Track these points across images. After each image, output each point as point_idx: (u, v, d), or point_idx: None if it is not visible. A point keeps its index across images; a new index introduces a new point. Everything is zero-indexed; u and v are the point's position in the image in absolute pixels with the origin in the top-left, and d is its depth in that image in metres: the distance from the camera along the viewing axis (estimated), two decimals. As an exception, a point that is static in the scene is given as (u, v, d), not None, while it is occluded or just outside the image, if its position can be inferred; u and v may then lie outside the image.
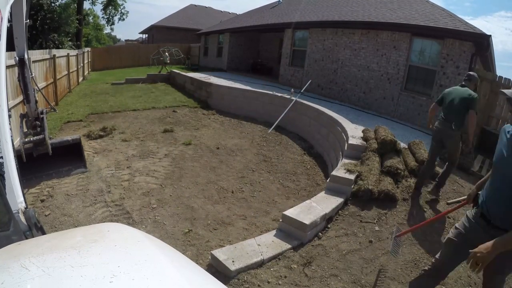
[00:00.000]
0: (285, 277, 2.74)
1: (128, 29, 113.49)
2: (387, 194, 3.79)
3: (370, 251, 3.14)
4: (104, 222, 3.54)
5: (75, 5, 19.05)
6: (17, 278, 0.60)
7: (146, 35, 34.38)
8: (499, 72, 11.27)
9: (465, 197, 2.36)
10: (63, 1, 15.04)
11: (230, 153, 6.10)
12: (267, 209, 4.21)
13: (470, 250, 1.63)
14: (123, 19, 24.26)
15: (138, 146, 6.06)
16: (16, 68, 3.78)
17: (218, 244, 3.31)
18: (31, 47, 9.62)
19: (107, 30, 34.22)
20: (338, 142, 5.73)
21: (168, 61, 16.08)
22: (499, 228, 1.68)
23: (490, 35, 5.91)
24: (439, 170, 4.15)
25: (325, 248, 3.16)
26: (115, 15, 23.59)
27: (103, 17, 23.74)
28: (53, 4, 13.66)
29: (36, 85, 4.97)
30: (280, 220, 3.44)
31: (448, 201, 3.36)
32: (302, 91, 8.83)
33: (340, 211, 3.72)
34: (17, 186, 1.36)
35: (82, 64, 14.89)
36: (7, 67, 3.98)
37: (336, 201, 3.74)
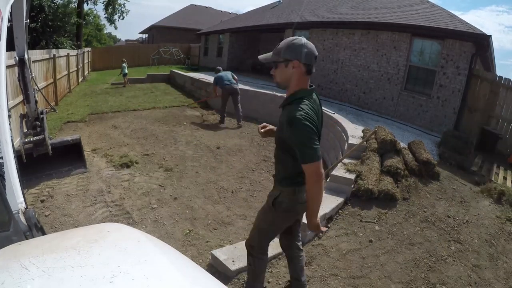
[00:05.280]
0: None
1: (128, 29, 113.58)
2: (387, 194, 3.80)
3: (370, 250, 3.14)
4: (104, 222, 3.54)
5: (75, 5, 19.05)
6: (17, 279, 0.60)
7: (146, 35, 34.39)
8: (497, 70, 11.25)
9: None
10: (62, 1, 15.01)
11: (230, 153, 6.10)
12: (267, 209, 4.20)
13: None
14: (123, 18, 24.18)
15: (138, 146, 6.06)
16: (16, 68, 3.78)
17: (218, 244, 3.31)
18: (32, 49, 9.61)
19: (108, 29, 34.24)
20: (338, 142, 5.73)
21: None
22: None
23: (490, 36, 5.92)
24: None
25: (325, 247, 3.16)
26: (115, 14, 23.54)
27: (105, 17, 23.71)
28: (54, 5, 13.63)
29: (36, 85, 4.97)
30: (280, 220, 3.44)
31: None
32: None
33: (340, 211, 3.72)
34: (17, 186, 1.36)
35: (82, 64, 14.89)
36: (7, 67, 3.98)
37: (336, 200, 3.74)
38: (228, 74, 7.93)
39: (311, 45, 1.69)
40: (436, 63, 6.96)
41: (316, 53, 1.70)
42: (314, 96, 1.79)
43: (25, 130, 4.01)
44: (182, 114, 8.80)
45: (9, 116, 1.62)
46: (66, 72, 10.64)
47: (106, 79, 15.30)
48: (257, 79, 12.15)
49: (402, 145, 4.89)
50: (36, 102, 4.01)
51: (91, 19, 28.71)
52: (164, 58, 20.62)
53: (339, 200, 3.76)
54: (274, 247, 3.05)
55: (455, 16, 7.25)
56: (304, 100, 1.68)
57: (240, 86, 9.87)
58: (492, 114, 6.59)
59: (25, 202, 1.39)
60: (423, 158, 4.33)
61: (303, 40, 1.69)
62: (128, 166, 5.05)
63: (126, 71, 13.15)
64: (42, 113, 4.23)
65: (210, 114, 9.10)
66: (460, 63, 6.48)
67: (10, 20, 2.56)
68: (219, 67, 8.57)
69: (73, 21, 15.26)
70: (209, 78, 11.46)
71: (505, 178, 4.96)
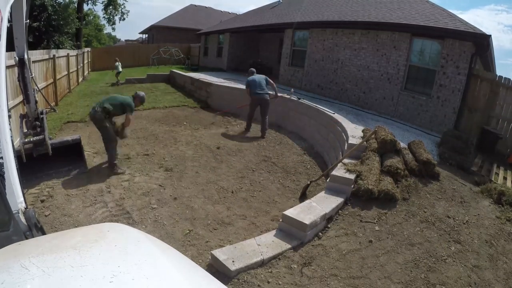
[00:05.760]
0: (285, 277, 2.74)
1: (128, 29, 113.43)
2: (387, 194, 3.80)
3: (370, 250, 3.14)
4: (104, 222, 3.54)
5: (75, 5, 19.05)
6: (17, 278, 0.60)
7: (146, 35, 34.37)
8: (497, 70, 11.25)
9: None
10: (62, 1, 15.01)
11: (230, 153, 6.10)
12: (267, 209, 4.21)
13: None
14: (124, 19, 24.18)
15: (138, 146, 6.06)
16: (16, 68, 3.78)
17: (218, 244, 3.31)
18: (35, 48, 9.62)
19: (108, 30, 34.26)
20: (338, 142, 5.73)
21: (121, 70, 13.92)
22: None
23: (490, 35, 5.91)
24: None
25: (325, 248, 3.16)
26: (116, 15, 23.55)
27: (104, 17, 23.71)
28: (56, 5, 13.64)
29: (36, 85, 4.97)
30: (280, 220, 3.44)
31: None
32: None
33: (340, 211, 3.72)
34: (17, 186, 1.36)
35: (82, 64, 14.89)
36: (7, 67, 3.98)
37: (336, 200, 3.74)
38: (261, 80, 7.01)
39: None
40: (436, 63, 6.96)
41: None
42: None
43: (25, 130, 4.01)
44: (182, 114, 8.79)
45: (9, 116, 1.62)
46: (66, 72, 10.64)
47: (106, 79, 15.29)
48: (257, 79, 12.14)
49: (402, 145, 4.89)
50: (36, 102, 4.01)
51: (90, 19, 28.69)
52: (164, 58, 20.61)
53: (339, 200, 3.76)
54: (274, 247, 3.05)
55: (455, 16, 7.25)
56: None
57: (240, 86, 9.88)
58: (492, 114, 6.58)
59: (25, 202, 1.39)
60: (423, 158, 4.33)
61: None
62: (128, 166, 5.05)
63: (120, 69, 13.96)
64: (42, 113, 4.23)
65: (211, 114, 9.10)
66: (460, 63, 6.48)
67: (10, 20, 2.56)
68: (253, 69, 7.58)
69: (75, 24, 15.30)
70: (209, 78, 11.46)
71: (505, 178, 4.96)
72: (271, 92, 7.33)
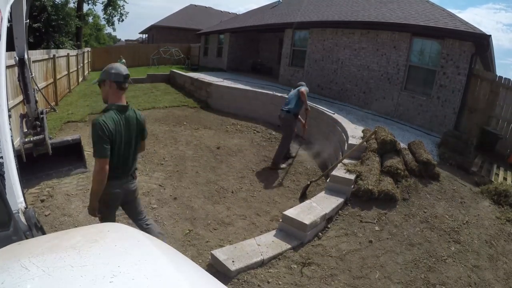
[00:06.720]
0: (285, 277, 2.74)
1: (128, 29, 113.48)
2: (387, 194, 3.79)
3: (370, 251, 3.14)
4: (104, 222, 3.54)
5: (75, 4, 19.05)
6: (17, 278, 0.60)
7: (146, 35, 34.38)
8: (496, 70, 11.26)
9: None
10: (60, 1, 15.00)
11: (230, 153, 6.10)
12: (267, 209, 4.21)
13: None
14: (122, 20, 24.16)
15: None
16: (16, 68, 3.78)
17: (218, 244, 3.32)
18: (36, 49, 9.63)
19: (108, 29, 34.13)
20: (338, 142, 5.73)
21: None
22: None
23: (490, 35, 5.91)
24: None
25: (325, 248, 3.16)
26: (115, 16, 23.52)
27: (104, 18, 23.70)
28: (55, 6, 13.65)
29: (36, 85, 4.97)
30: (280, 220, 3.44)
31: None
32: None
33: (340, 211, 3.72)
34: (17, 186, 1.36)
35: (82, 64, 14.88)
36: (7, 67, 3.98)
37: (336, 201, 3.74)
38: (291, 94, 5.67)
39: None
40: (436, 63, 6.96)
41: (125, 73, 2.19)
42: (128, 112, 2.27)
43: (25, 130, 4.01)
44: (182, 114, 8.79)
45: (9, 116, 1.62)
46: (66, 72, 10.64)
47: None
48: (257, 79, 12.15)
49: (402, 145, 4.89)
50: (36, 102, 4.01)
51: (90, 20, 28.64)
52: (164, 58, 20.61)
53: (339, 200, 3.76)
54: (274, 247, 3.05)
55: (455, 15, 7.25)
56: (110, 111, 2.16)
57: (240, 86, 9.89)
58: (492, 114, 6.58)
59: (25, 202, 1.39)
60: (423, 158, 4.33)
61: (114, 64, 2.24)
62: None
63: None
64: (42, 113, 4.24)
65: (211, 114, 9.08)
66: (460, 63, 6.47)
67: (10, 20, 2.56)
68: (300, 82, 6.14)
69: (75, 23, 15.32)
70: (208, 78, 11.46)
71: (505, 179, 4.96)
72: (310, 108, 5.72)
